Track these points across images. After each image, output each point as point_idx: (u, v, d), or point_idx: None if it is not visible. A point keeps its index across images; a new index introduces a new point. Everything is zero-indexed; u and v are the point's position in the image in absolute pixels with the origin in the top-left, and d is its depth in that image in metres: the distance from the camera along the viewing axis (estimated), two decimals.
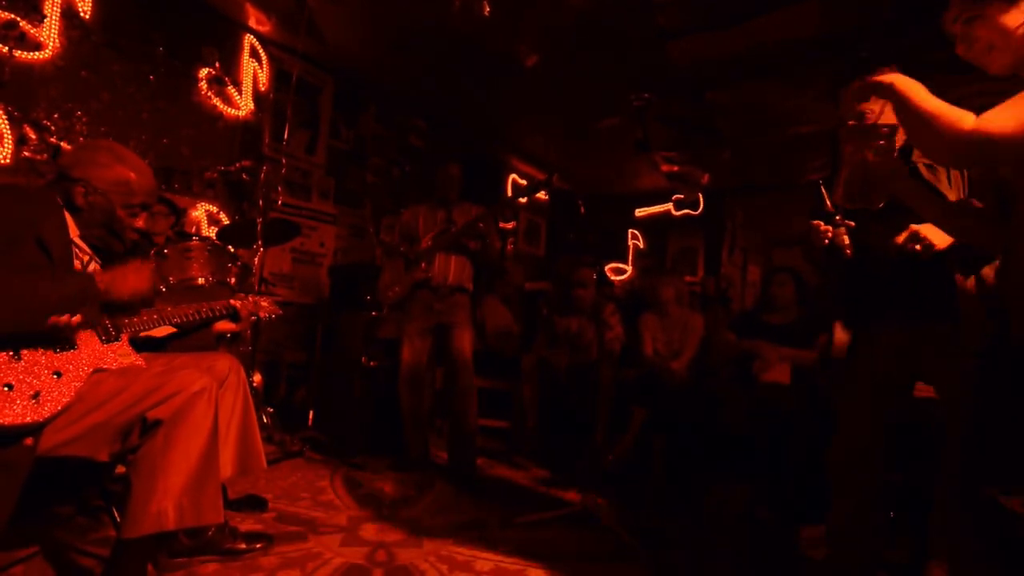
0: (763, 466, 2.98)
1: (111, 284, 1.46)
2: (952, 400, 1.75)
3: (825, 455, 1.99)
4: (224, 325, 1.94)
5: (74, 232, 1.56)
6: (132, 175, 1.64)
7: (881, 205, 1.53)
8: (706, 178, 6.58)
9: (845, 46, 3.70)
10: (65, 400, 1.32)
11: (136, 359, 1.55)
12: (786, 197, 6.75)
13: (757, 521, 2.76)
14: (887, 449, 1.93)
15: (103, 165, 1.61)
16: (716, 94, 4.67)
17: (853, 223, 1.80)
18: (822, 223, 1.82)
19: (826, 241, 1.82)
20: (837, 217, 1.81)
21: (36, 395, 1.28)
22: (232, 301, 1.91)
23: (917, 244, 1.64)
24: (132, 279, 1.49)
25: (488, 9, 3.18)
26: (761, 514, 2.81)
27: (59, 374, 1.35)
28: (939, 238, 1.64)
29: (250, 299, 2.01)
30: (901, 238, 1.65)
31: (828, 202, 1.84)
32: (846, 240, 1.80)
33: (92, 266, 1.62)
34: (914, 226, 1.64)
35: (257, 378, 3.23)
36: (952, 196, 1.77)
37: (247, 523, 2.13)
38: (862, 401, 1.93)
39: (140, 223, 1.71)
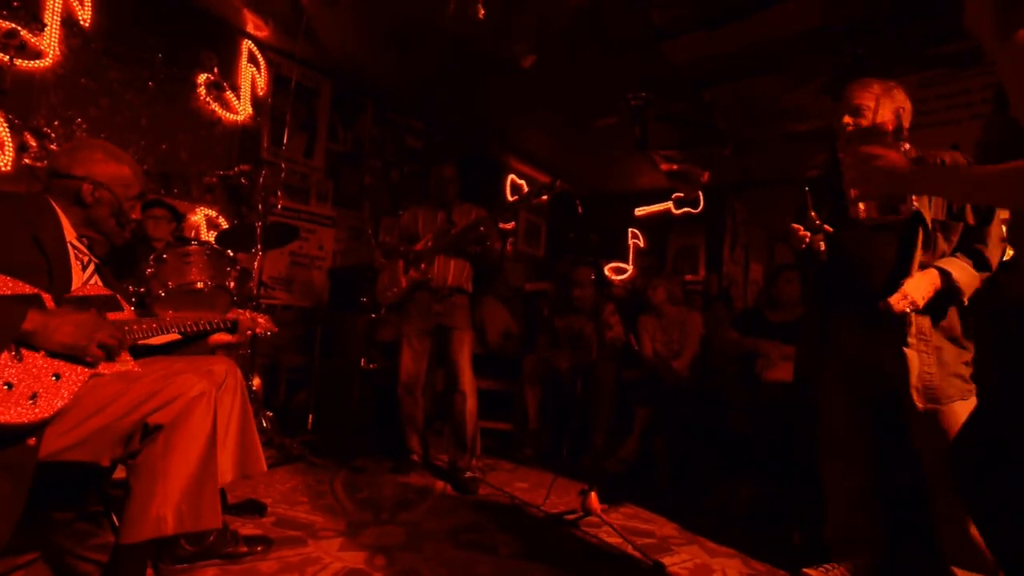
0: (767, 465, 2.98)
1: (44, 328, 1.33)
2: (908, 397, 1.78)
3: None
4: (221, 337, 1.95)
5: (70, 234, 1.58)
6: (128, 170, 1.71)
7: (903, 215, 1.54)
8: (706, 176, 6.57)
9: (843, 41, 3.70)
10: (61, 403, 1.32)
11: (133, 365, 1.55)
12: (787, 193, 6.72)
13: (761, 520, 2.75)
14: (890, 447, 1.95)
15: (101, 161, 1.66)
16: (714, 91, 4.67)
17: (831, 229, 1.85)
18: (801, 227, 1.87)
19: (803, 245, 1.87)
20: (817, 222, 1.85)
21: (34, 396, 1.29)
22: (229, 315, 1.92)
23: (908, 306, 1.71)
24: (70, 329, 1.36)
25: (483, 12, 3.19)
26: (764, 514, 2.80)
27: (58, 376, 1.35)
28: (920, 296, 1.71)
29: (247, 314, 2.03)
30: (894, 299, 1.70)
31: (811, 208, 1.87)
32: (822, 246, 1.86)
33: (91, 268, 1.64)
34: (905, 288, 1.71)
35: (256, 382, 3.25)
36: (931, 213, 1.81)
37: (246, 528, 2.13)
38: (836, 402, 1.97)
39: (137, 215, 1.77)
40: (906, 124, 1.85)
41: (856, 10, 3.42)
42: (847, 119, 1.84)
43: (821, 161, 5.70)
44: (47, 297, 1.42)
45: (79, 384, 1.37)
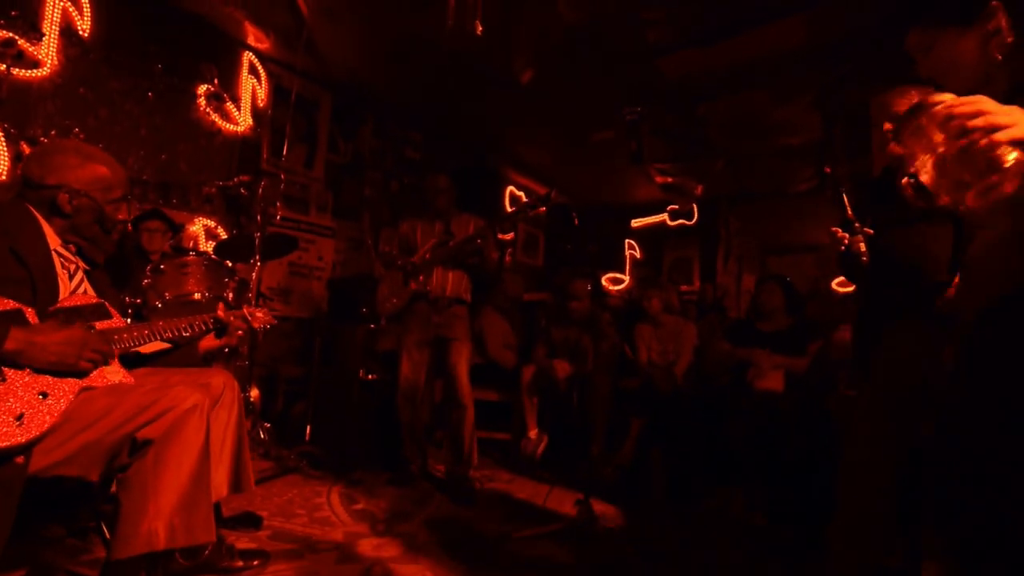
0: (759, 473, 2.97)
1: (29, 347, 1.26)
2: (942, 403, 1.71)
3: (839, 464, 1.93)
4: (209, 342, 1.89)
5: (54, 241, 1.51)
6: (106, 170, 1.61)
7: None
8: (700, 189, 6.58)
9: (830, 59, 3.72)
10: (51, 421, 1.27)
11: (125, 377, 1.50)
12: (779, 205, 6.77)
13: (753, 528, 2.74)
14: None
15: (76, 166, 1.56)
16: (707, 107, 4.68)
17: (872, 231, 1.81)
18: (840, 230, 1.84)
19: (842, 247, 1.84)
20: (856, 224, 1.82)
21: (20, 417, 1.24)
22: (219, 314, 1.85)
23: None
24: (56, 348, 1.30)
25: (480, 29, 3.17)
26: (757, 521, 2.80)
27: (45, 395, 1.30)
28: None
29: (244, 310, 1.96)
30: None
31: (848, 210, 1.85)
32: (862, 248, 1.81)
33: (79, 275, 1.58)
34: None
35: (254, 393, 3.18)
36: None
37: (242, 541, 2.07)
38: (877, 410, 1.87)
39: (123, 215, 1.68)
40: None
41: (839, 30, 3.45)
42: (888, 126, 1.79)
43: (809, 174, 5.72)
44: (30, 311, 1.36)
45: (68, 401, 1.32)
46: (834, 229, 1.86)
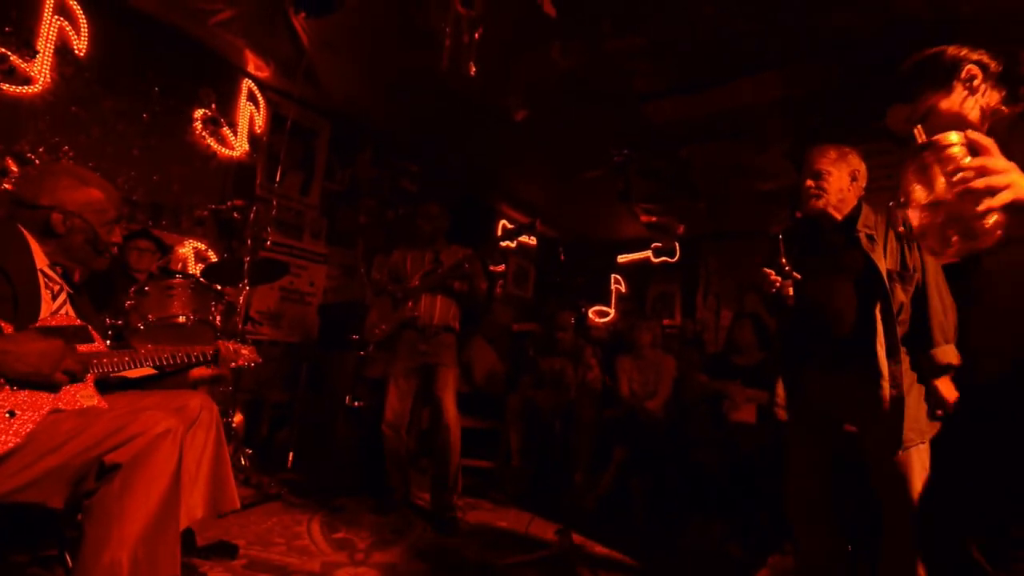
0: (735, 503, 2.95)
1: (2, 355, 1.20)
2: (871, 440, 1.77)
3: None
4: (202, 371, 1.80)
5: (42, 261, 1.45)
6: (99, 193, 1.57)
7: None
8: (681, 228, 6.65)
9: (802, 111, 3.83)
10: (15, 441, 1.18)
11: (99, 401, 1.40)
12: (755, 246, 6.84)
13: (729, 557, 2.71)
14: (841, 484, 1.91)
15: (70, 188, 1.52)
16: (689, 151, 4.75)
17: (799, 276, 1.85)
18: (772, 272, 1.88)
19: (772, 289, 1.87)
20: (787, 268, 1.85)
21: None
22: (208, 347, 1.77)
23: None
24: (33, 359, 1.23)
25: (474, 70, 3.19)
26: (733, 551, 2.76)
27: (12, 413, 1.21)
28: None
29: (231, 346, 1.88)
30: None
31: (782, 255, 1.88)
32: (790, 292, 1.86)
33: (62, 297, 1.50)
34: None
35: (238, 418, 3.04)
36: (887, 265, 1.80)
37: (215, 571, 1.94)
38: (802, 440, 1.94)
39: (116, 237, 1.62)
40: (862, 184, 1.92)
41: (811, 85, 3.55)
42: (809, 183, 1.89)
43: (784, 216, 5.80)
44: (8, 328, 1.28)
45: (35, 422, 1.22)
46: (767, 271, 1.88)
